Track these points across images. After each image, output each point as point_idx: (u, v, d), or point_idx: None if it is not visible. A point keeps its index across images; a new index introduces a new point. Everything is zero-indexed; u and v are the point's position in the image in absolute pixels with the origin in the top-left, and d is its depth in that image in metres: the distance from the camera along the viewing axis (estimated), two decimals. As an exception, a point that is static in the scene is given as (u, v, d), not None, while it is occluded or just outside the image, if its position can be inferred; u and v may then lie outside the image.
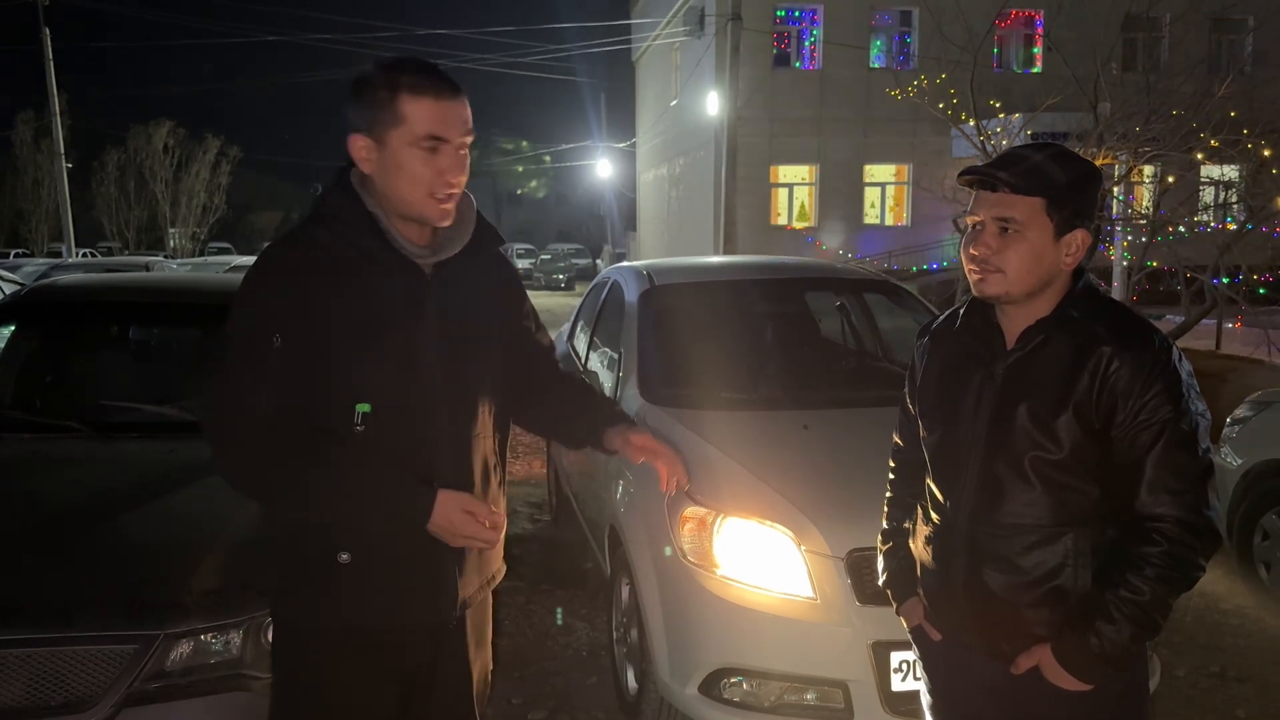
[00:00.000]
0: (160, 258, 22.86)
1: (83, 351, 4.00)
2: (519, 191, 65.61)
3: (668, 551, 2.99)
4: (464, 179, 1.74)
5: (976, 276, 1.76)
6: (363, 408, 1.70)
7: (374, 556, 1.75)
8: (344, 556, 1.73)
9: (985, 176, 1.74)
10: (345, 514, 1.72)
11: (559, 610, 4.13)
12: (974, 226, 1.77)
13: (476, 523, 1.73)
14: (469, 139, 1.73)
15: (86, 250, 33.06)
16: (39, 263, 20.40)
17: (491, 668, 2.10)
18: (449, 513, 1.71)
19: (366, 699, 1.83)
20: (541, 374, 2.08)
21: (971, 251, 1.76)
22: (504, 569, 2.04)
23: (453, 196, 1.73)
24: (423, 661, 1.89)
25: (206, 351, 3.73)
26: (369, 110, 1.68)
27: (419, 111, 1.66)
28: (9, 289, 10.02)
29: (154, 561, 2.46)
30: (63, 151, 26.62)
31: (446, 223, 1.76)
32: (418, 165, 1.68)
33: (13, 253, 33.88)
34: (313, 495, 1.70)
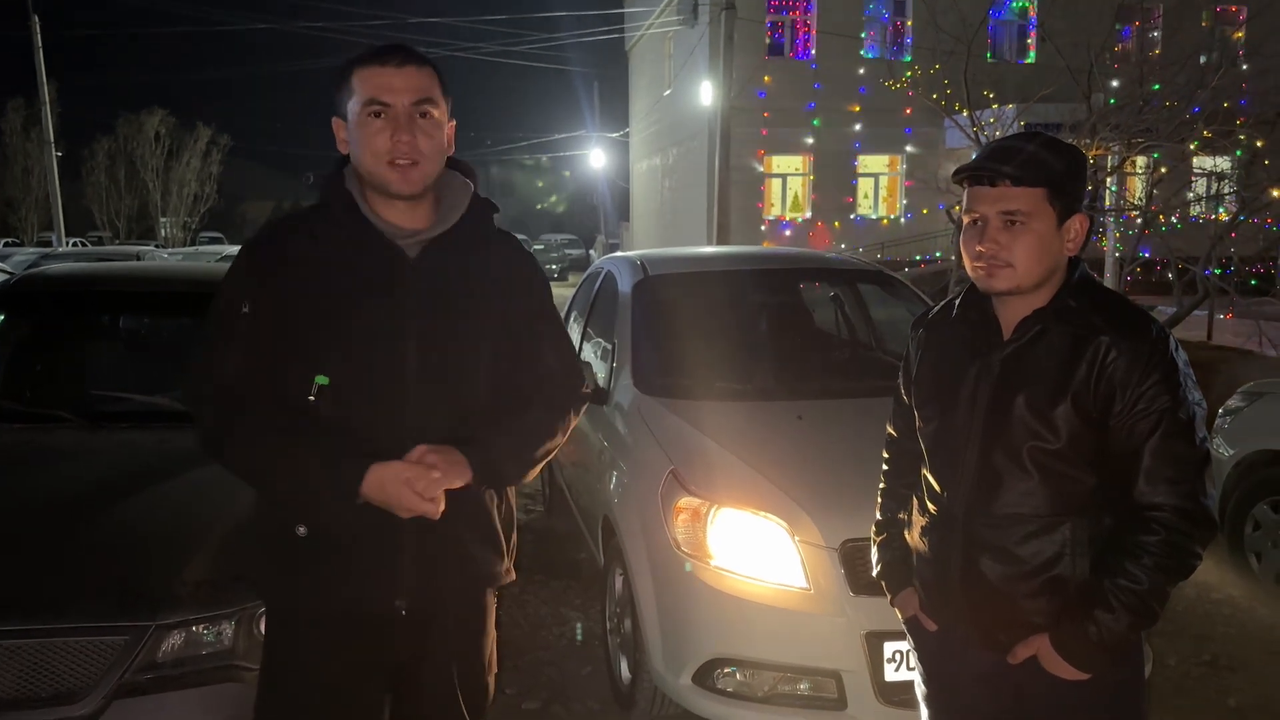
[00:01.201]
0: (151, 247, 22.73)
1: (73, 341, 3.97)
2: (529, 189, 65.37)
3: (661, 542, 2.98)
4: (419, 142, 1.73)
5: (984, 272, 1.74)
6: (320, 380, 1.72)
7: (328, 533, 1.75)
8: (301, 530, 1.75)
9: (989, 171, 1.72)
10: (283, 480, 1.74)
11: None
12: (974, 222, 1.76)
13: (412, 492, 1.68)
14: (427, 106, 1.74)
15: (77, 239, 32.91)
16: (29, 252, 20.27)
17: (496, 671, 2.03)
18: (382, 481, 1.68)
19: (346, 686, 1.82)
20: (517, 392, 1.89)
21: (979, 249, 1.73)
22: (511, 576, 1.94)
23: (415, 163, 1.73)
24: (410, 655, 1.87)
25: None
26: (337, 93, 1.79)
27: (362, 80, 1.74)
28: (-2, 278, 9.97)
29: (146, 552, 2.45)
30: (52, 140, 26.45)
31: (409, 190, 1.75)
32: (370, 133, 1.73)
33: (2, 242, 33.68)
34: (259, 460, 1.75)
